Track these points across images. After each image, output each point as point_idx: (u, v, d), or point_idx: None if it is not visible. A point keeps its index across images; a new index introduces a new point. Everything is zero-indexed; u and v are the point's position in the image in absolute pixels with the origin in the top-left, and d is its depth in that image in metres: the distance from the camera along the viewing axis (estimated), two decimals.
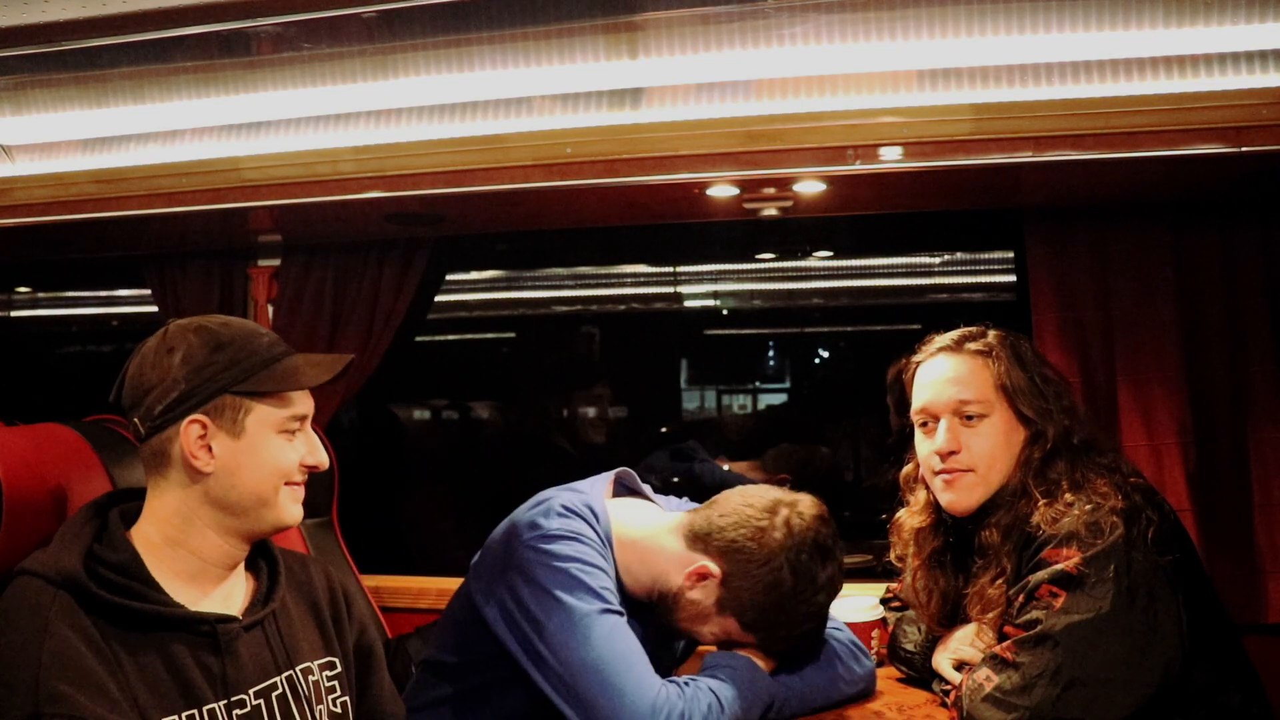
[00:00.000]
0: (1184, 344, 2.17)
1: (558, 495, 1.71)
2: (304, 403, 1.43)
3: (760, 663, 1.66)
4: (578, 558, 1.59)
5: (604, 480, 1.82)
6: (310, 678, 1.44)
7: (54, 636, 1.21)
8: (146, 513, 1.38)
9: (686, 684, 1.55)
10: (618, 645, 1.53)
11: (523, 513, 1.68)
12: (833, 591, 1.65)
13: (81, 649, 1.22)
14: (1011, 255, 3.08)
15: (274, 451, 1.39)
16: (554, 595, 1.55)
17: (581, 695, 1.50)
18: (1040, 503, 1.59)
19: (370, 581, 2.43)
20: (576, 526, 1.64)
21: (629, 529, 1.72)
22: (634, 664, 1.52)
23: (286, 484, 1.41)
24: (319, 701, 1.44)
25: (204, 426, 1.34)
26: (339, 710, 1.48)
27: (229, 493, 1.36)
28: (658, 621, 1.73)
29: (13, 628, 1.24)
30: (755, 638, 1.67)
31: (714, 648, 1.74)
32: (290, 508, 1.42)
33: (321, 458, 1.44)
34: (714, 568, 1.64)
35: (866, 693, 1.77)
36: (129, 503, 1.42)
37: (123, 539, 1.34)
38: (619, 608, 1.58)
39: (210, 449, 1.35)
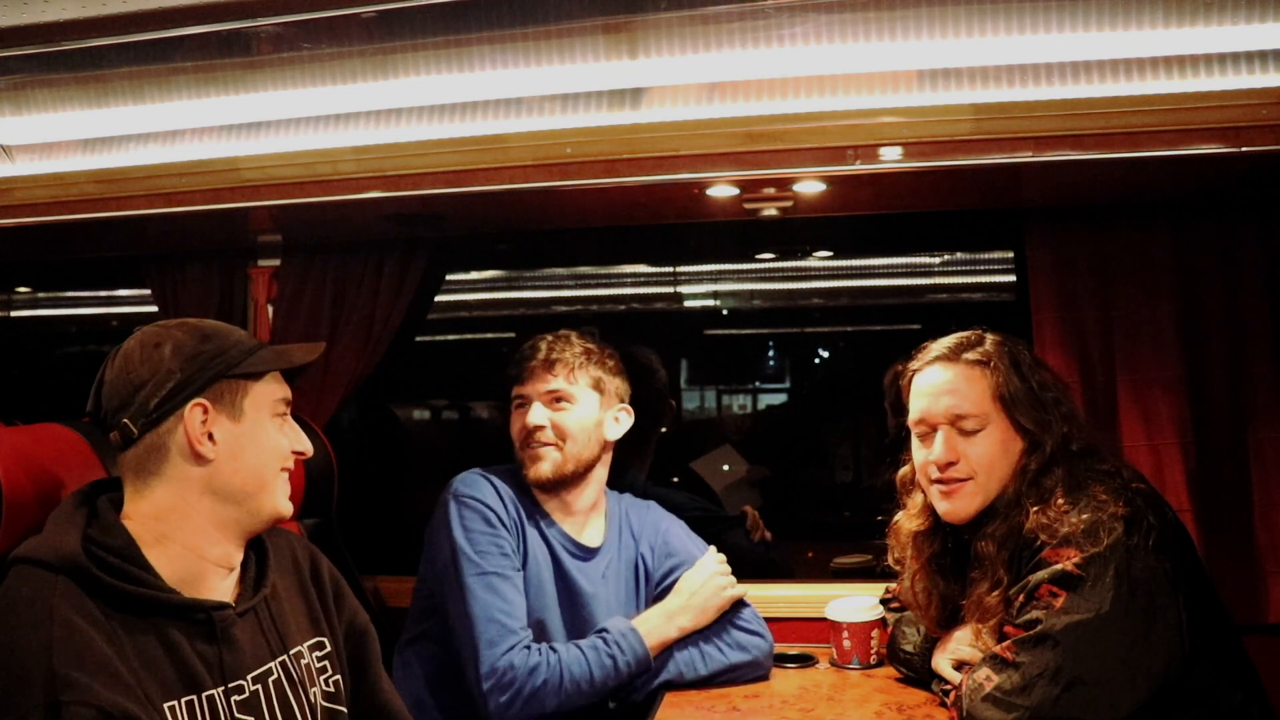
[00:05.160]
0: (1184, 344, 2.17)
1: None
2: (287, 388, 1.48)
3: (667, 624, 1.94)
4: (467, 525, 1.93)
5: None
6: (302, 661, 1.44)
7: (60, 623, 1.20)
8: (131, 513, 1.36)
9: (533, 645, 1.85)
10: (484, 601, 1.86)
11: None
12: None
13: (90, 633, 1.21)
14: (1011, 255, 3.08)
15: (271, 434, 1.43)
16: (449, 554, 1.93)
17: (461, 644, 1.87)
18: (1032, 510, 1.59)
19: (370, 582, 2.43)
20: (476, 491, 1.98)
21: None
22: (495, 624, 1.84)
23: (281, 469, 1.44)
24: (311, 684, 1.44)
25: (205, 411, 1.36)
26: (331, 689, 1.48)
27: (232, 478, 1.37)
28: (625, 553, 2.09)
29: (16, 617, 1.22)
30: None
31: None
32: (283, 498, 1.45)
33: (308, 444, 1.49)
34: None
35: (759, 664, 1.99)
36: (114, 492, 1.41)
37: (117, 524, 1.33)
38: (498, 569, 1.89)
39: (211, 435, 1.36)
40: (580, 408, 2.01)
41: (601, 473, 2.09)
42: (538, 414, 2.00)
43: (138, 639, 1.26)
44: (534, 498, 2.04)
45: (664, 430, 3.54)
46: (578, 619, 2.01)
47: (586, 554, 2.05)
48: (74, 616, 1.22)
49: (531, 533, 2.01)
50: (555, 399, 2.01)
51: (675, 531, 2.15)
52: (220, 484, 1.37)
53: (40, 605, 1.22)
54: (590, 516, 2.09)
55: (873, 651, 1.99)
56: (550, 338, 2.05)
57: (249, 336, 1.46)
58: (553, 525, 2.04)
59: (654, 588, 2.09)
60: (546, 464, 2.00)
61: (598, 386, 2.03)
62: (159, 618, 1.29)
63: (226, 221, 2.30)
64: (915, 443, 1.77)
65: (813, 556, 3.06)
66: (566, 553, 2.03)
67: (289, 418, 1.47)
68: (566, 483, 2.02)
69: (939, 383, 1.71)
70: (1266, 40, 1.64)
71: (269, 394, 1.43)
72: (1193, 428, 2.15)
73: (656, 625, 1.93)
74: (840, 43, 1.73)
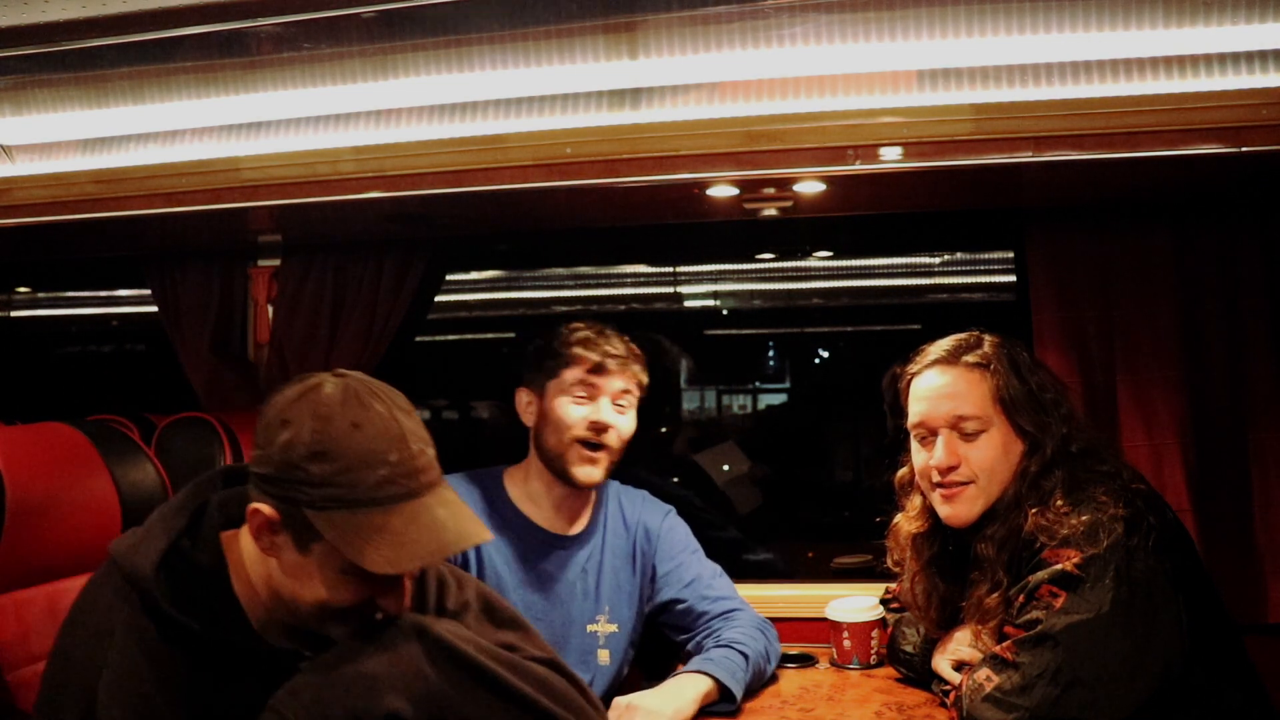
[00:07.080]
0: (1184, 344, 2.17)
1: None
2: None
3: None
4: None
5: None
6: None
7: (118, 649, 1.14)
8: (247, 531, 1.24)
9: None
10: None
11: None
12: None
13: (142, 669, 1.14)
14: (1011, 255, 3.08)
15: (331, 586, 1.18)
16: None
17: None
18: (1032, 511, 1.59)
19: None
20: None
21: None
22: None
23: (338, 609, 1.21)
24: None
25: (271, 521, 1.18)
26: None
27: (284, 585, 1.21)
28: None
29: (85, 623, 1.18)
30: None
31: None
32: (334, 631, 1.23)
33: (395, 608, 1.22)
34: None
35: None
36: (237, 485, 1.28)
37: (212, 538, 1.22)
38: None
39: (276, 539, 1.19)
40: (633, 412, 1.95)
41: None
42: (609, 412, 1.90)
43: (197, 676, 1.17)
44: (504, 496, 1.97)
45: (663, 430, 3.54)
46: (552, 611, 1.95)
47: (561, 542, 1.98)
48: (132, 645, 1.14)
49: (486, 544, 1.86)
50: (619, 399, 1.91)
51: (675, 531, 2.08)
52: (277, 581, 1.22)
53: (106, 620, 1.16)
54: (572, 506, 2.00)
55: (873, 651, 1.99)
56: (609, 331, 1.94)
57: (385, 483, 1.16)
58: (522, 519, 1.96)
59: (654, 587, 2.04)
60: (599, 469, 1.90)
61: (643, 388, 1.97)
62: (233, 659, 1.20)
63: (226, 221, 2.30)
64: (914, 446, 1.76)
65: (813, 556, 3.06)
66: (537, 543, 1.96)
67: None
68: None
69: (939, 386, 1.71)
70: (1266, 40, 1.64)
71: (349, 555, 1.14)
72: (1193, 428, 2.15)
73: None
74: (840, 43, 1.73)
